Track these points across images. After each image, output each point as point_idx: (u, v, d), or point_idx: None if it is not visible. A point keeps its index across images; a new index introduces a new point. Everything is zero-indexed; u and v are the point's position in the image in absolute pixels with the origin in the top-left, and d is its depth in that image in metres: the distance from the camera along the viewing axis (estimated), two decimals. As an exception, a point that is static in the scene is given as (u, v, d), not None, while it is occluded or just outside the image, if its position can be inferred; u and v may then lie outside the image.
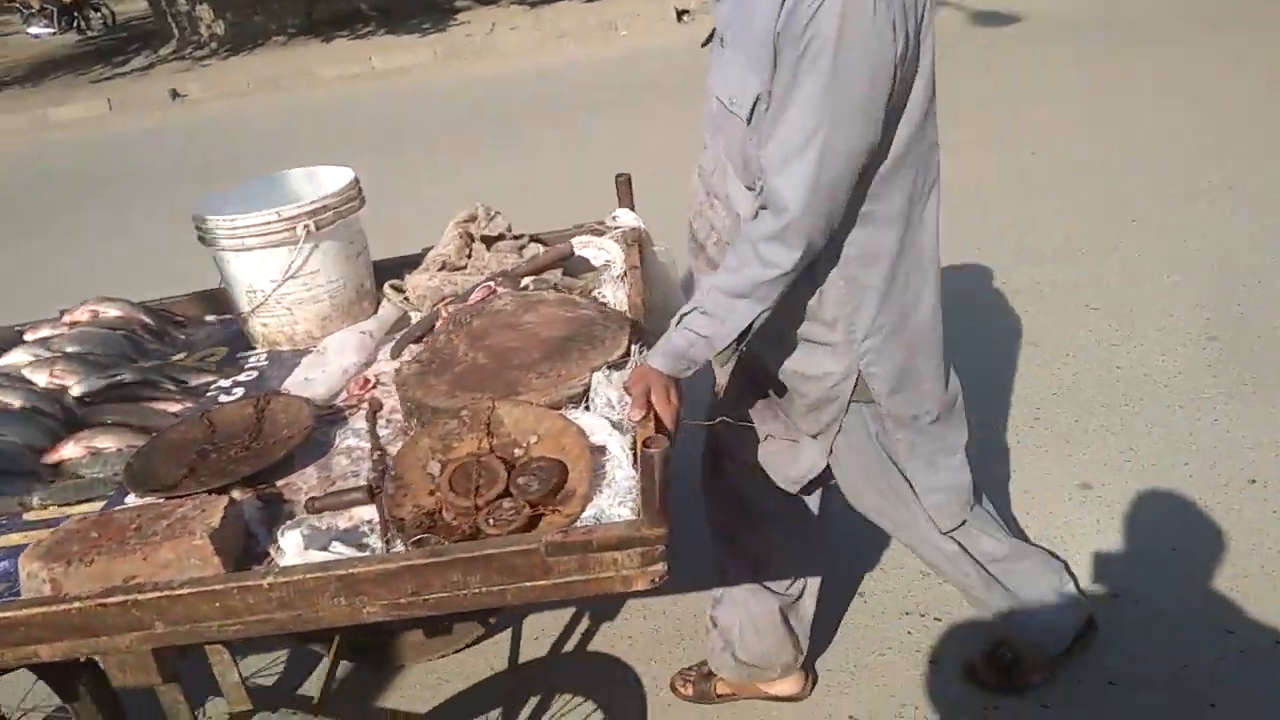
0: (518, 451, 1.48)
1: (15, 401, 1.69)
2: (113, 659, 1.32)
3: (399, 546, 1.35)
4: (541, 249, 2.03)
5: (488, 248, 2.01)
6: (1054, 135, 5.34)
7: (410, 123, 7.89)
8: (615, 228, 2.16)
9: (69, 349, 1.91)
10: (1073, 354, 3.34)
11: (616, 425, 1.50)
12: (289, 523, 1.36)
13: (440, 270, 1.99)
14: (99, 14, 17.65)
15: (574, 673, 2.34)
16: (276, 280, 1.87)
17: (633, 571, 1.27)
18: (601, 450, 1.45)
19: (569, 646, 2.43)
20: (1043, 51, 7.10)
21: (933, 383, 1.66)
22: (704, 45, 1.58)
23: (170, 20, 13.83)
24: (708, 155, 1.59)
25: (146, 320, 2.05)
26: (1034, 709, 2.03)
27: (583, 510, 1.35)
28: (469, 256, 2.02)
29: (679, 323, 1.53)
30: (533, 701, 2.26)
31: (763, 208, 1.42)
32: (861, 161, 1.39)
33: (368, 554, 1.32)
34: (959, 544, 1.83)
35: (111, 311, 2.04)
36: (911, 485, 1.74)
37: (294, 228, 1.84)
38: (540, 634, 2.46)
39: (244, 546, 1.38)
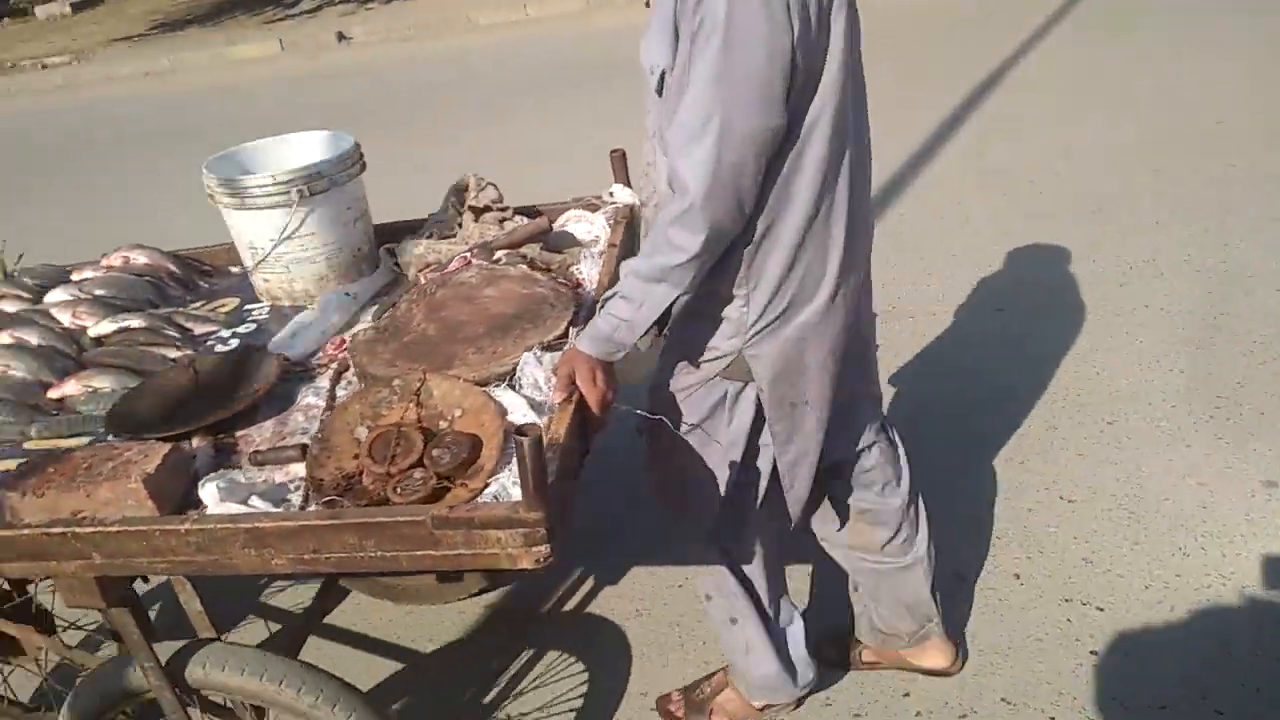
0: (442, 424, 1.57)
1: (33, 338, 1.90)
2: (62, 582, 1.50)
3: (313, 506, 1.48)
4: (524, 222, 2.10)
5: (475, 218, 2.09)
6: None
7: (556, 70, 8.00)
8: (611, 204, 2.20)
9: (97, 292, 2.11)
10: (1260, 341, 3.15)
11: (537, 406, 1.58)
12: (211, 475, 1.50)
13: (428, 238, 2.09)
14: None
15: (570, 632, 2.46)
16: (274, 240, 2.01)
17: (517, 550, 1.34)
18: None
19: (569, 606, 2.56)
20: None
21: (818, 379, 1.66)
22: (646, 5, 1.56)
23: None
24: (649, 120, 1.61)
25: (173, 268, 2.24)
26: (1208, 713, 1.98)
27: (485, 487, 1.43)
28: (459, 226, 2.11)
29: (602, 306, 1.59)
30: (526, 655, 2.40)
31: (671, 188, 1.44)
32: (765, 144, 1.40)
33: (278, 510, 1.45)
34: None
35: (141, 259, 2.23)
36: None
37: (289, 191, 1.97)
38: (545, 591, 2.59)
39: (186, 492, 1.53)
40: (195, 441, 1.63)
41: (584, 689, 2.27)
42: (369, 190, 2.18)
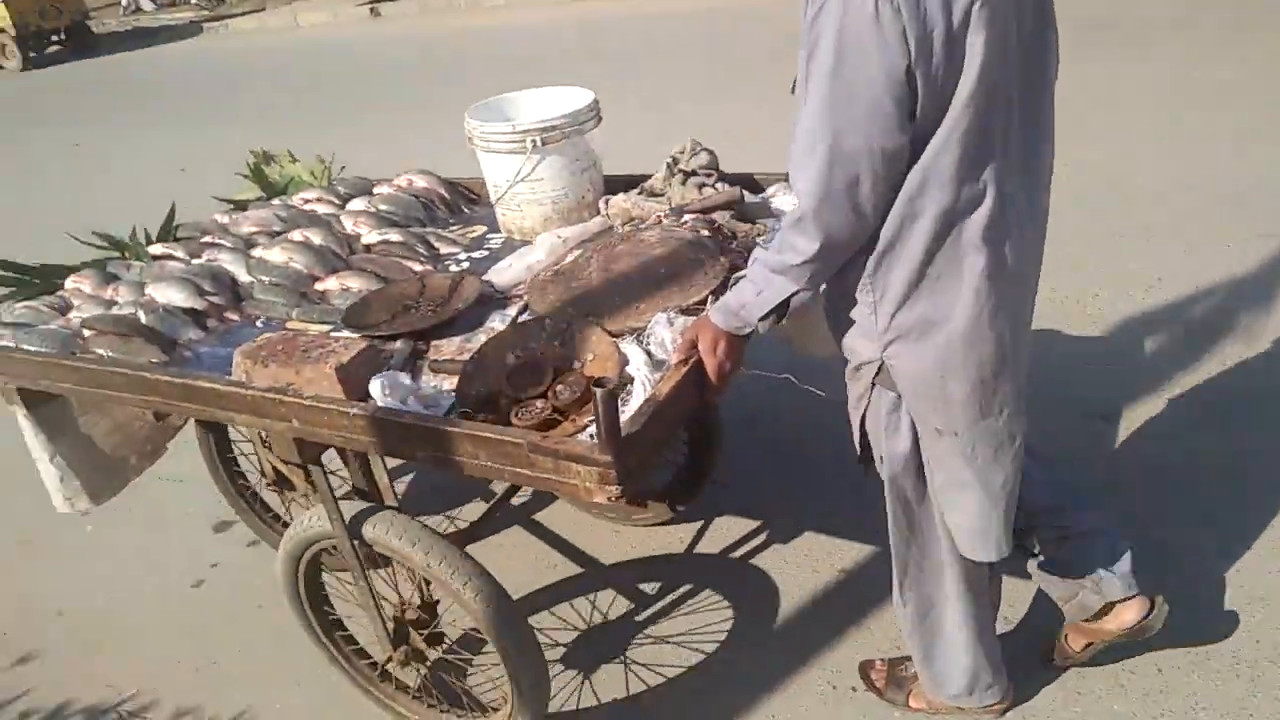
0: (577, 364, 1.79)
1: (317, 238, 2.37)
2: (274, 437, 1.92)
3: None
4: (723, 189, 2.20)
5: (683, 181, 2.24)
6: None
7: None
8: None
9: (380, 206, 2.55)
10: None
11: (656, 363, 1.72)
12: (382, 374, 1.82)
13: (638, 194, 2.27)
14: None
15: (727, 577, 2.62)
16: (510, 180, 2.30)
17: (592, 485, 1.53)
18: (630, 380, 1.70)
19: (738, 553, 2.70)
20: None
21: (965, 408, 1.61)
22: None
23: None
24: None
25: (443, 193, 2.63)
26: None
27: (589, 425, 1.63)
28: (669, 186, 2.27)
29: (733, 284, 1.68)
30: (685, 588, 2.60)
31: None
32: (878, 162, 1.40)
33: (419, 412, 1.74)
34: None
35: (420, 182, 2.65)
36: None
37: (525, 140, 2.24)
38: (727, 533, 2.76)
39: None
40: (398, 344, 1.98)
41: (723, 630, 2.42)
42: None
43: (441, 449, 1.67)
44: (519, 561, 2.78)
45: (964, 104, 1.39)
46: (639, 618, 2.53)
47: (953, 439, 1.64)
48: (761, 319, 1.60)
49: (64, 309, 2.32)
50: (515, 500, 3.00)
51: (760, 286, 1.58)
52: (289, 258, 2.31)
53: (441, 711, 2.23)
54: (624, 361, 1.73)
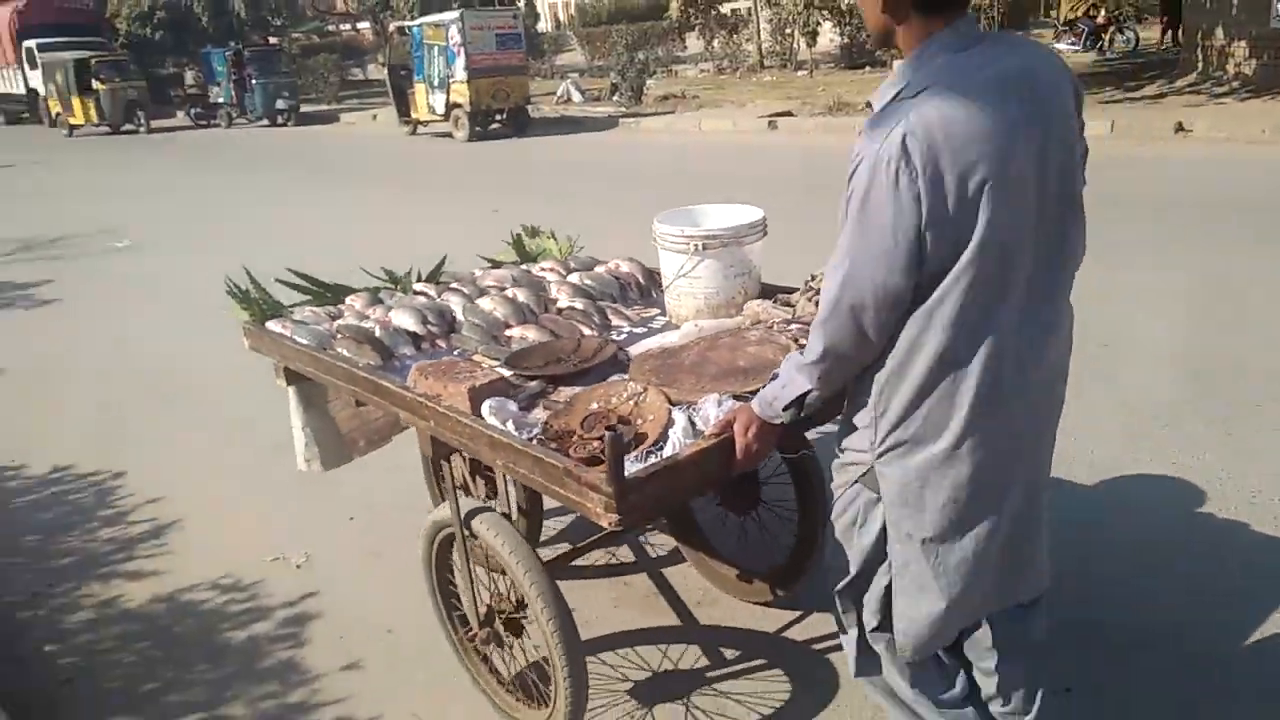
0: (638, 421, 2.17)
1: (520, 295, 2.96)
2: (420, 434, 2.48)
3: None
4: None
5: (810, 298, 2.53)
6: None
7: None
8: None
9: (586, 280, 3.10)
10: None
11: (694, 432, 2.07)
12: (494, 400, 2.30)
13: (772, 302, 2.60)
14: (1124, 37, 18.47)
15: (801, 661, 2.79)
16: (671, 276, 2.74)
17: (600, 510, 1.92)
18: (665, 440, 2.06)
19: (819, 645, 2.86)
20: None
21: (936, 518, 1.77)
22: None
23: (1198, 53, 13.95)
24: None
25: (640, 279, 3.13)
26: None
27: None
28: (800, 300, 2.57)
29: (773, 377, 1.98)
30: (760, 660, 2.81)
31: None
32: (884, 296, 1.64)
33: (504, 431, 2.19)
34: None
35: (624, 267, 3.17)
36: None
37: (689, 244, 2.67)
38: (813, 625, 2.93)
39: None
40: (533, 383, 2.47)
41: (780, 701, 2.61)
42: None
43: (512, 460, 2.13)
44: (629, 599, 3.13)
45: (968, 262, 1.60)
46: (711, 673, 2.77)
47: (922, 545, 1.80)
48: (785, 409, 1.88)
49: (335, 317, 3.08)
50: (654, 551, 3.37)
51: (784, 381, 1.87)
52: (494, 307, 2.92)
53: (500, 684, 2.66)
54: (669, 424, 2.08)
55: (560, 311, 2.97)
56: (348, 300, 3.24)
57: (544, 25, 38.14)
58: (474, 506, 2.46)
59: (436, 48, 16.35)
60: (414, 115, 17.76)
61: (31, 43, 27.20)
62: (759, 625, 2.97)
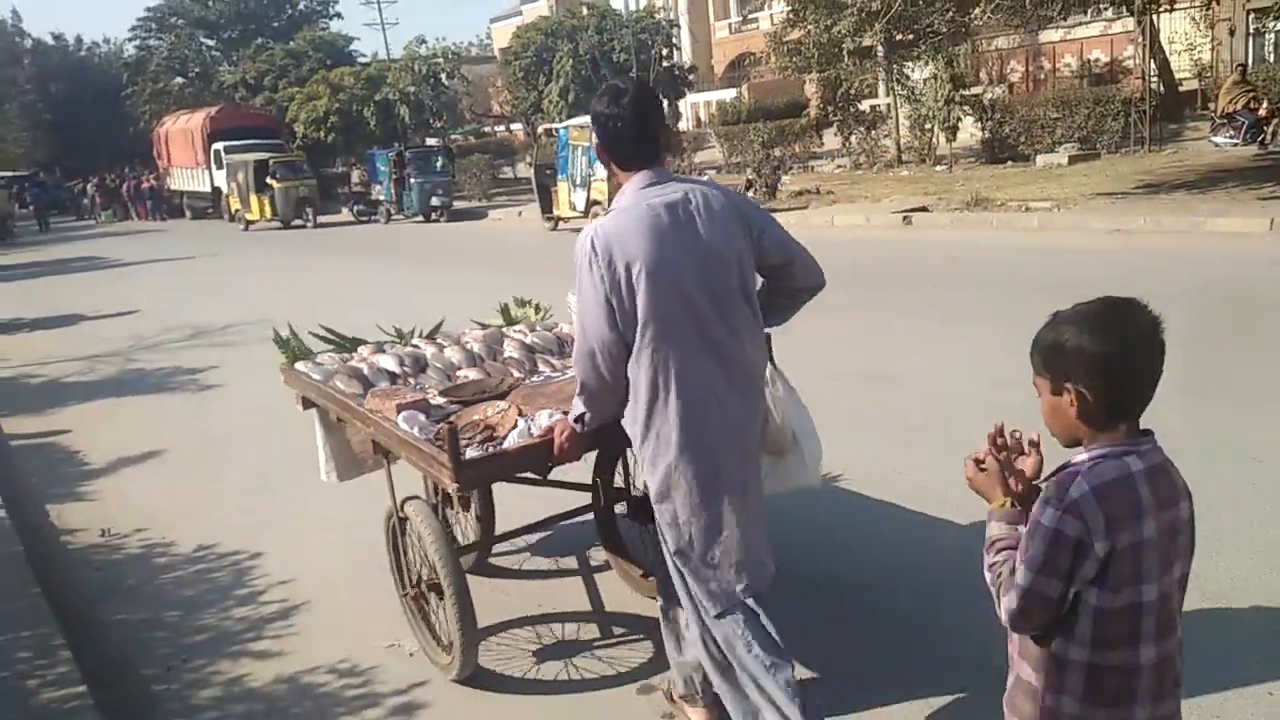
0: (498, 428, 3.04)
1: (474, 346, 3.89)
2: (366, 438, 3.51)
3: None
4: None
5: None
6: None
7: None
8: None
9: (536, 340, 3.96)
10: None
11: (527, 434, 2.96)
12: (407, 412, 3.15)
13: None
14: (1281, 129, 17.45)
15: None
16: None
17: (447, 480, 2.83)
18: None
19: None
20: None
21: (687, 515, 2.57)
22: None
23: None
24: None
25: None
26: None
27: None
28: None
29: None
30: (637, 636, 2.76)
31: None
32: (602, 346, 2.53)
33: (411, 433, 3.05)
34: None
35: (566, 329, 4.03)
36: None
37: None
38: None
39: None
40: (450, 405, 3.32)
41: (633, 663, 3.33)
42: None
43: (409, 450, 3.07)
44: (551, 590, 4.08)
45: (643, 325, 2.49)
46: (596, 643, 3.59)
47: (680, 530, 2.62)
48: (576, 421, 2.77)
49: (346, 361, 3.91)
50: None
51: (574, 404, 2.77)
52: (452, 354, 3.82)
53: (428, 630, 3.54)
54: (513, 427, 2.99)
55: (504, 360, 3.77)
56: (359, 349, 4.08)
57: (685, 124, 39.27)
58: (407, 497, 3.39)
59: (580, 148, 17.07)
60: (556, 212, 18.49)
61: (219, 145, 29.89)
62: (647, 612, 3.53)
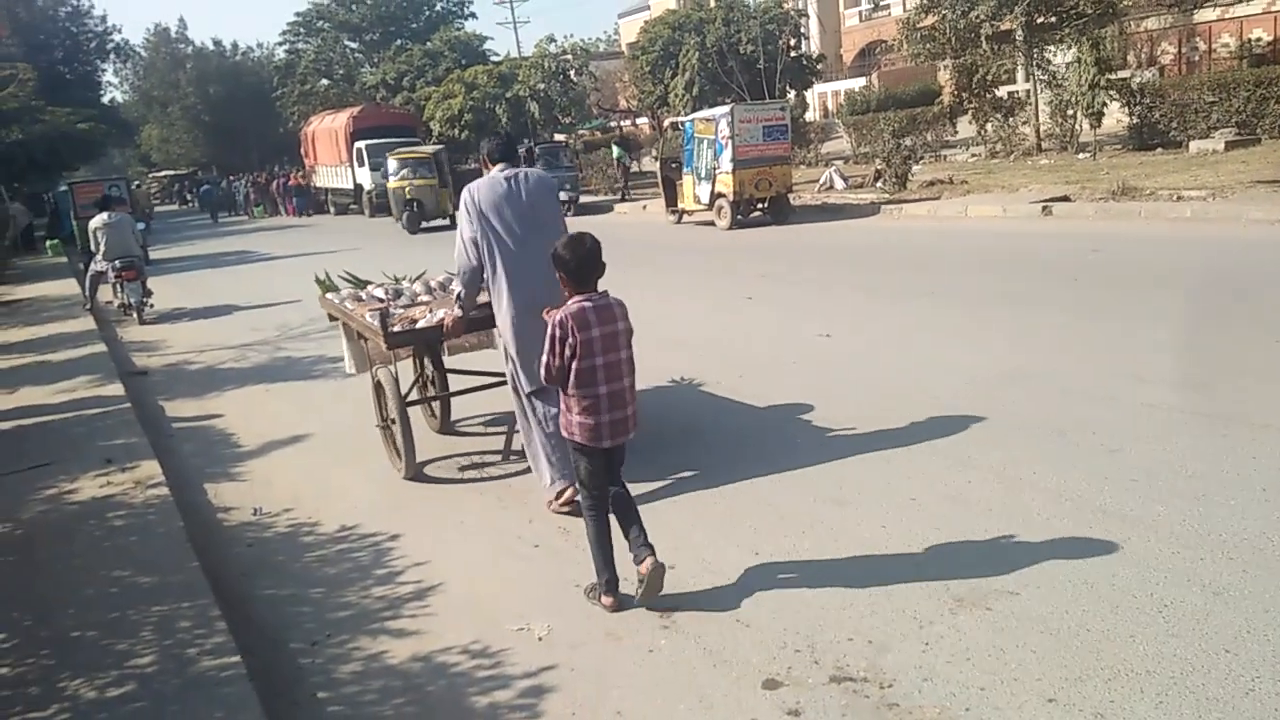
0: (422, 319, 5.44)
1: (433, 284, 6.35)
2: (350, 330, 6.11)
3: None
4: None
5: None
6: None
7: None
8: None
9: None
10: None
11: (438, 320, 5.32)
12: (370, 311, 5.64)
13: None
14: None
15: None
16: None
17: (381, 344, 5.40)
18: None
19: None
20: None
21: (510, 337, 4.82)
22: None
23: None
24: None
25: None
26: None
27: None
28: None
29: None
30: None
31: None
32: (468, 240, 4.85)
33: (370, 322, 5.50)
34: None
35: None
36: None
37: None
38: None
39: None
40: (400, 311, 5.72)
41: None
42: None
43: (369, 332, 5.49)
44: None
45: (487, 236, 4.81)
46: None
47: (509, 349, 4.90)
48: (459, 306, 5.10)
49: (354, 291, 6.39)
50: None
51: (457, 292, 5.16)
52: (417, 287, 6.27)
53: (389, 448, 5.85)
54: (424, 317, 5.43)
55: (447, 290, 6.11)
56: (367, 287, 6.47)
57: (812, 115, 38.70)
58: (378, 369, 5.69)
59: (705, 141, 17.04)
60: (680, 205, 18.52)
61: (361, 144, 31.13)
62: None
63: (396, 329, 5.24)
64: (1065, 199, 14.36)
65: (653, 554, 3.74)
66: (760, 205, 17.09)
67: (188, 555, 4.61)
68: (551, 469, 4.80)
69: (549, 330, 3.65)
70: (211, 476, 6.17)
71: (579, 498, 3.98)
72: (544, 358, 3.67)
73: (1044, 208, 14.02)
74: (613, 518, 3.88)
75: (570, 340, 3.60)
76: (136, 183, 40.19)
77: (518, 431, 5.09)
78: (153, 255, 19.52)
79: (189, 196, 52.00)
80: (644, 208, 22.97)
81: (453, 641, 3.77)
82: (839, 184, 20.28)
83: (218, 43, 63.75)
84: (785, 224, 16.72)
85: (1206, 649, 3.18)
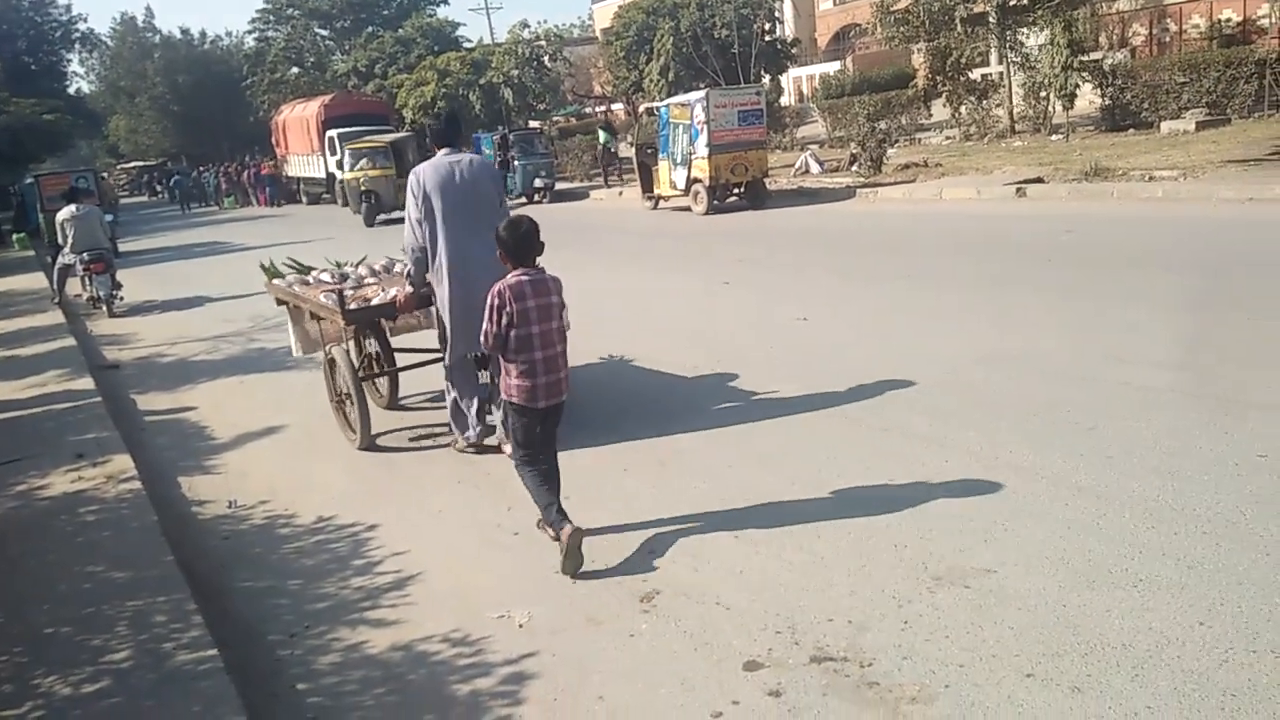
0: (374, 298, 5.96)
1: (377, 267, 6.88)
2: (298, 313, 6.71)
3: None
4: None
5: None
6: None
7: None
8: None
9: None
10: None
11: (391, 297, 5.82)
12: (323, 294, 6.16)
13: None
14: None
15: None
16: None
17: (340, 321, 5.79)
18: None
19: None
20: None
21: (446, 310, 5.36)
22: None
23: None
24: None
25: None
26: None
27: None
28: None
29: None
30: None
31: None
32: (414, 224, 5.34)
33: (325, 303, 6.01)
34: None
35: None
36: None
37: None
38: None
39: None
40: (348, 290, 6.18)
41: None
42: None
43: (325, 312, 5.96)
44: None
45: (431, 216, 5.29)
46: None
47: (445, 316, 5.41)
48: (409, 283, 5.62)
49: (301, 277, 6.87)
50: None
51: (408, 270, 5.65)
52: (362, 270, 6.76)
53: (343, 424, 6.24)
54: (376, 295, 5.94)
55: (392, 272, 6.68)
56: (314, 271, 6.92)
57: (787, 99, 38.68)
58: (331, 346, 6.06)
59: (681, 126, 16.97)
60: (656, 191, 18.47)
61: (334, 132, 30.80)
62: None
63: (352, 307, 5.70)
64: (1039, 180, 14.43)
65: (569, 521, 4.00)
66: (736, 190, 17.06)
67: (162, 549, 4.55)
68: (462, 424, 5.68)
69: (489, 300, 4.00)
70: (185, 470, 6.10)
71: (510, 452, 4.57)
72: (485, 325, 4.02)
73: (1018, 189, 14.09)
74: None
75: (508, 309, 3.95)
76: (103, 174, 39.60)
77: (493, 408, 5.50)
78: (122, 247, 19.25)
79: (158, 188, 51.34)
80: (620, 194, 22.90)
81: (433, 630, 3.75)
82: (814, 168, 20.28)
83: (185, 31, 62.96)
84: (761, 209, 16.69)
85: (1182, 622, 3.21)
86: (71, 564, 4.48)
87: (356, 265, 6.93)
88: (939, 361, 6.36)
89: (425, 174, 5.25)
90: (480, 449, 5.58)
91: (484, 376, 4.81)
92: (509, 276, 4.03)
